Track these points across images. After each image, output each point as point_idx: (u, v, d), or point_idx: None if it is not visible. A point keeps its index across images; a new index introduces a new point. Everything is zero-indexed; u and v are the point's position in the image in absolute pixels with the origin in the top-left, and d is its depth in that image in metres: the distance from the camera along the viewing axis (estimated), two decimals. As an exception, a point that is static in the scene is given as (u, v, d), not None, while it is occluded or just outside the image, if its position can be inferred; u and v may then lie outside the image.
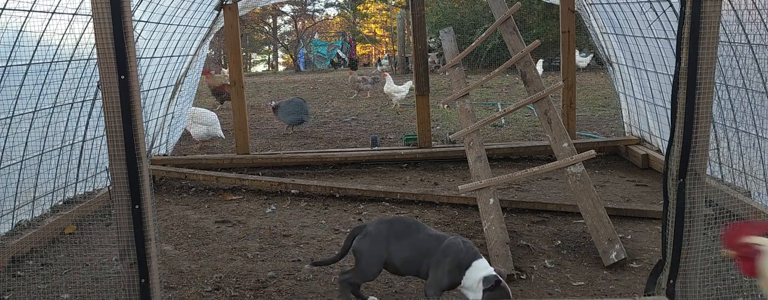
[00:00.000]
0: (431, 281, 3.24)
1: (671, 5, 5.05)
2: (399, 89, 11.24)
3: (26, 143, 4.59)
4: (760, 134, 4.35)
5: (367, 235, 3.35)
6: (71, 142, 5.19)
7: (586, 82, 13.49)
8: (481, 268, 3.16)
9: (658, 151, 6.37)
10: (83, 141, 5.34)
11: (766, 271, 2.25)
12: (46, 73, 4.57)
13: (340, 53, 25.42)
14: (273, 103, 9.35)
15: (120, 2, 2.68)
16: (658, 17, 5.31)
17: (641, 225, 4.71)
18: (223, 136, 8.37)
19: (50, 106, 4.78)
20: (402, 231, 3.36)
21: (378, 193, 5.63)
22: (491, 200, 4.41)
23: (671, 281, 2.95)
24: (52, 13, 4.41)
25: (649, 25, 5.63)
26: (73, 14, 4.64)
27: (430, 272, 3.25)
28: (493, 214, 4.31)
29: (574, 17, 6.88)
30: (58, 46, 4.68)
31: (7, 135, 4.35)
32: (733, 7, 4.19)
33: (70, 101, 5.03)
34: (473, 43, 5.70)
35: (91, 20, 2.71)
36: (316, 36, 30.58)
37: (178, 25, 6.63)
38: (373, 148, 7.22)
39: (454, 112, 9.73)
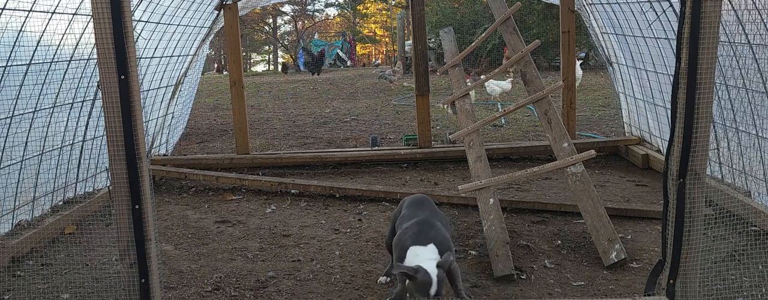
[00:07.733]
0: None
1: (671, 5, 5.05)
2: None
3: (26, 143, 4.59)
4: (760, 134, 4.34)
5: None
6: (71, 142, 5.20)
7: (586, 82, 13.48)
8: (416, 255, 3.09)
9: (658, 151, 6.37)
10: (83, 141, 5.34)
11: None
12: (46, 73, 4.57)
13: (340, 53, 25.42)
14: None
15: (120, 2, 2.68)
16: (658, 17, 5.31)
17: (641, 225, 4.71)
18: None
19: (50, 106, 4.78)
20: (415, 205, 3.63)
21: (378, 193, 5.63)
22: (491, 200, 4.41)
23: (671, 281, 2.95)
24: (52, 13, 4.41)
25: (649, 25, 5.63)
26: (73, 14, 4.64)
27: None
28: (493, 214, 4.31)
29: (574, 17, 6.88)
30: (58, 46, 4.68)
31: (7, 135, 4.35)
32: (733, 7, 4.19)
33: (70, 101, 5.03)
34: (473, 43, 5.70)
35: (91, 20, 2.71)
36: (316, 36, 30.58)
37: (178, 25, 6.64)
38: (373, 148, 7.22)
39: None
